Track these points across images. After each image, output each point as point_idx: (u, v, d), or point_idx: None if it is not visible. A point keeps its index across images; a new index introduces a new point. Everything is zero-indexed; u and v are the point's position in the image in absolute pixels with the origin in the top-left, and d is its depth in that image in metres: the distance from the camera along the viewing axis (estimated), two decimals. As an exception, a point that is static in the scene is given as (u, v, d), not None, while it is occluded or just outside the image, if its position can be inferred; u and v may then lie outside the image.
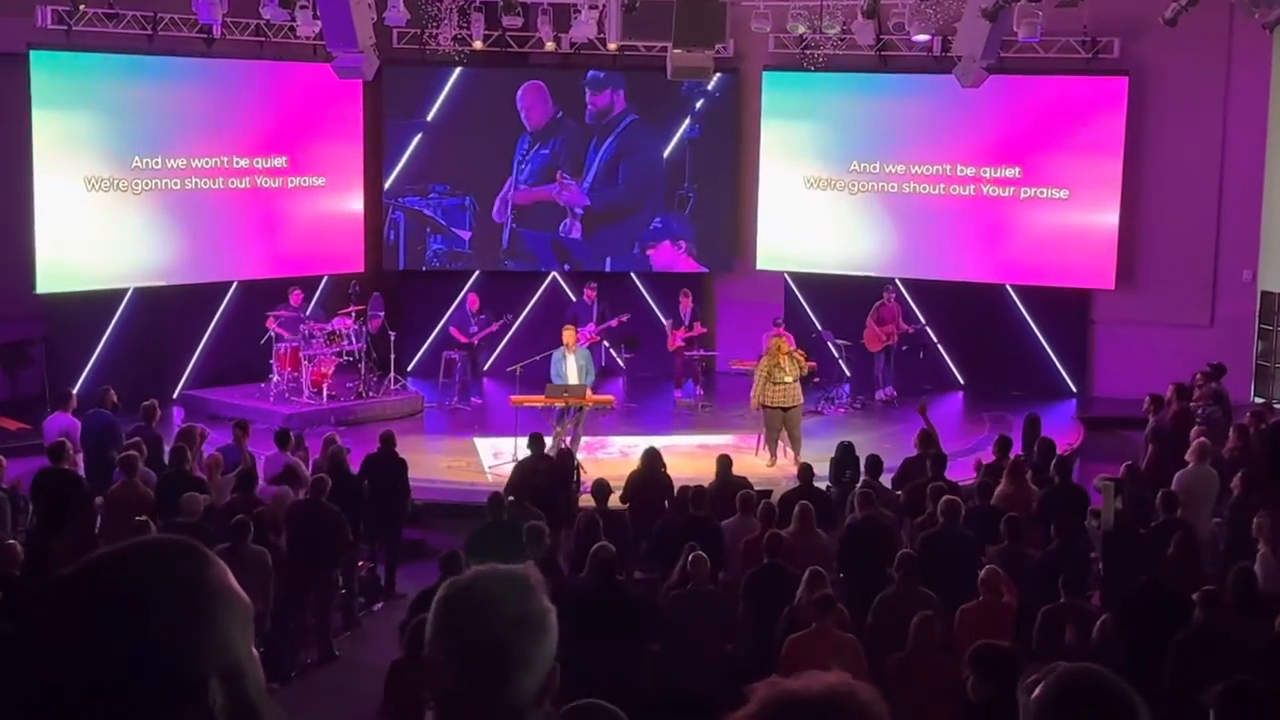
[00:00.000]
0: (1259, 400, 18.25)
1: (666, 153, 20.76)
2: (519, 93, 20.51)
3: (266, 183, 19.41)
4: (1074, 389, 20.01)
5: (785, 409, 15.82)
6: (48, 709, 1.64)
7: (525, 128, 20.52)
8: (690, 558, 9.58)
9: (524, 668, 2.10)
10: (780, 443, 15.91)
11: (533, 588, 2.16)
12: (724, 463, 12.81)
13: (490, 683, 2.09)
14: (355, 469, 13.02)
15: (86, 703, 1.62)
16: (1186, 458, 12.35)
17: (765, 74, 20.46)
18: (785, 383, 15.78)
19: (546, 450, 13.53)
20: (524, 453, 15.00)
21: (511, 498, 11.87)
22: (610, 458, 15.75)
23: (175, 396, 18.58)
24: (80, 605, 1.66)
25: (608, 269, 20.68)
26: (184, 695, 1.64)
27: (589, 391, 16.00)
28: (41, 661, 1.65)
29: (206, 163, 18.76)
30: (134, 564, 1.71)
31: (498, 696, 2.10)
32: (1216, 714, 4.27)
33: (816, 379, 18.10)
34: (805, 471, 12.46)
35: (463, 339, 18.93)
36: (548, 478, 12.75)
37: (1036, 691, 2.32)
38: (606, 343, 19.63)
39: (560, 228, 20.75)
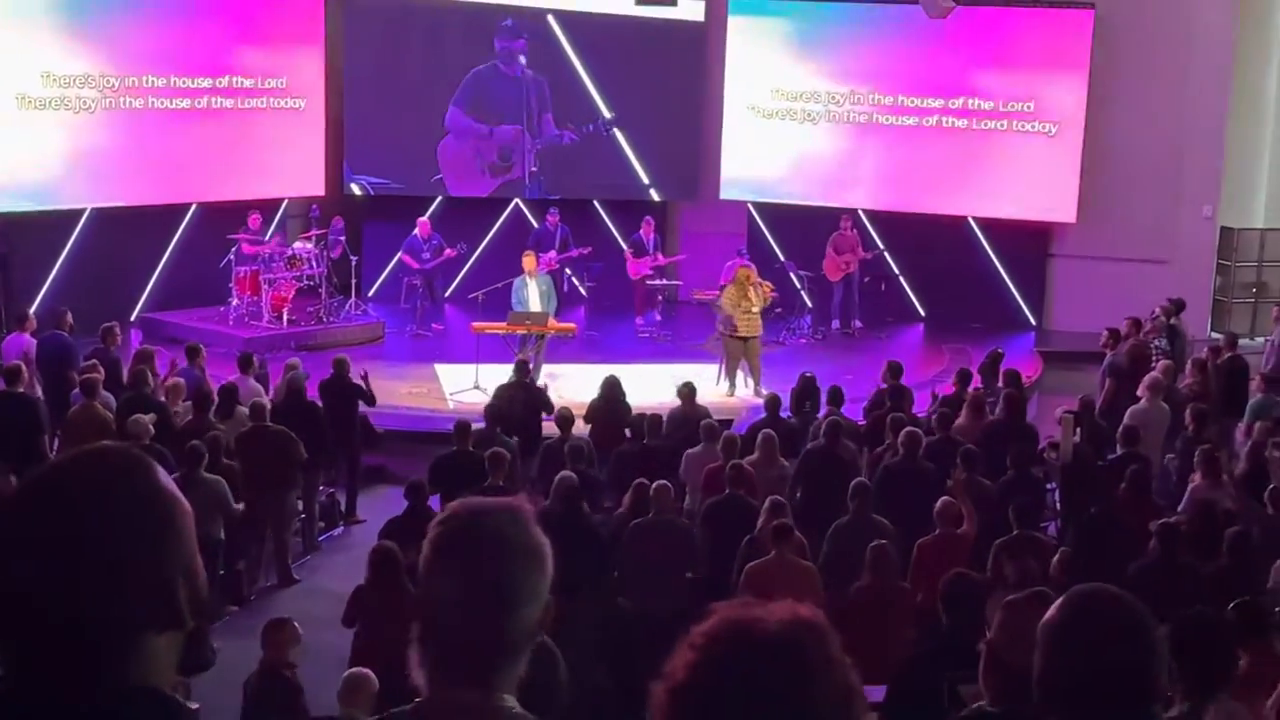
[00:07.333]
0: (1216, 335, 18.39)
1: (626, 79, 20.54)
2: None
3: (225, 103, 19.08)
4: (1033, 322, 20.12)
5: (746, 339, 15.85)
6: (28, 620, 1.69)
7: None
8: (654, 487, 9.60)
9: (528, 601, 2.08)
10: (740, 372, 15.95)
11: (529, 519, 2.12)
12: (687, 390, 12.81)
13: (494, 616, 2.06)
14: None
15: (68, 610, 1.68)
16: (1139, 393, 12.43)
17: (731, 1, 20.30)
18: (751, 313, 15.80)
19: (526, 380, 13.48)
20: (485, 380, 15.10)
21: (483, 425, 11.77)
22: (571, 386, 15.73)
23: (133, 319, 18.39)
24: (47, 515, 1.70)
25: (563, 196, 20.46)
26: (159, 595, 1.73)
27: (551, 319, 15.97)
28: (12, 575, 1.69)
29: (164, 81, 18.43)
30: (90, 474, 1.76)
31: (500, 630, 2.06)
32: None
33: (778, 310, 18.11)
34: (772, 403, 12.47)
35: (415, 265, 18.71)
36: (525, 407, 12.72)
37: (1050, 613, 2.31)
38: (568, 271, 19.53)
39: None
